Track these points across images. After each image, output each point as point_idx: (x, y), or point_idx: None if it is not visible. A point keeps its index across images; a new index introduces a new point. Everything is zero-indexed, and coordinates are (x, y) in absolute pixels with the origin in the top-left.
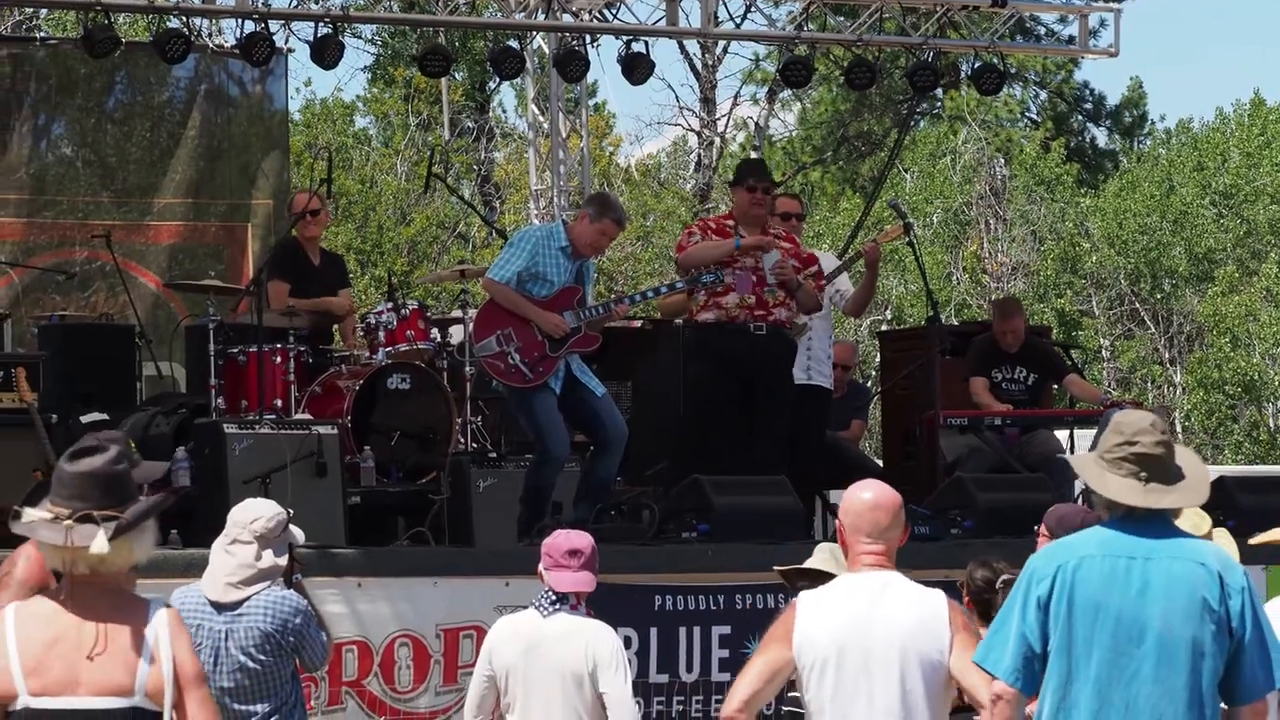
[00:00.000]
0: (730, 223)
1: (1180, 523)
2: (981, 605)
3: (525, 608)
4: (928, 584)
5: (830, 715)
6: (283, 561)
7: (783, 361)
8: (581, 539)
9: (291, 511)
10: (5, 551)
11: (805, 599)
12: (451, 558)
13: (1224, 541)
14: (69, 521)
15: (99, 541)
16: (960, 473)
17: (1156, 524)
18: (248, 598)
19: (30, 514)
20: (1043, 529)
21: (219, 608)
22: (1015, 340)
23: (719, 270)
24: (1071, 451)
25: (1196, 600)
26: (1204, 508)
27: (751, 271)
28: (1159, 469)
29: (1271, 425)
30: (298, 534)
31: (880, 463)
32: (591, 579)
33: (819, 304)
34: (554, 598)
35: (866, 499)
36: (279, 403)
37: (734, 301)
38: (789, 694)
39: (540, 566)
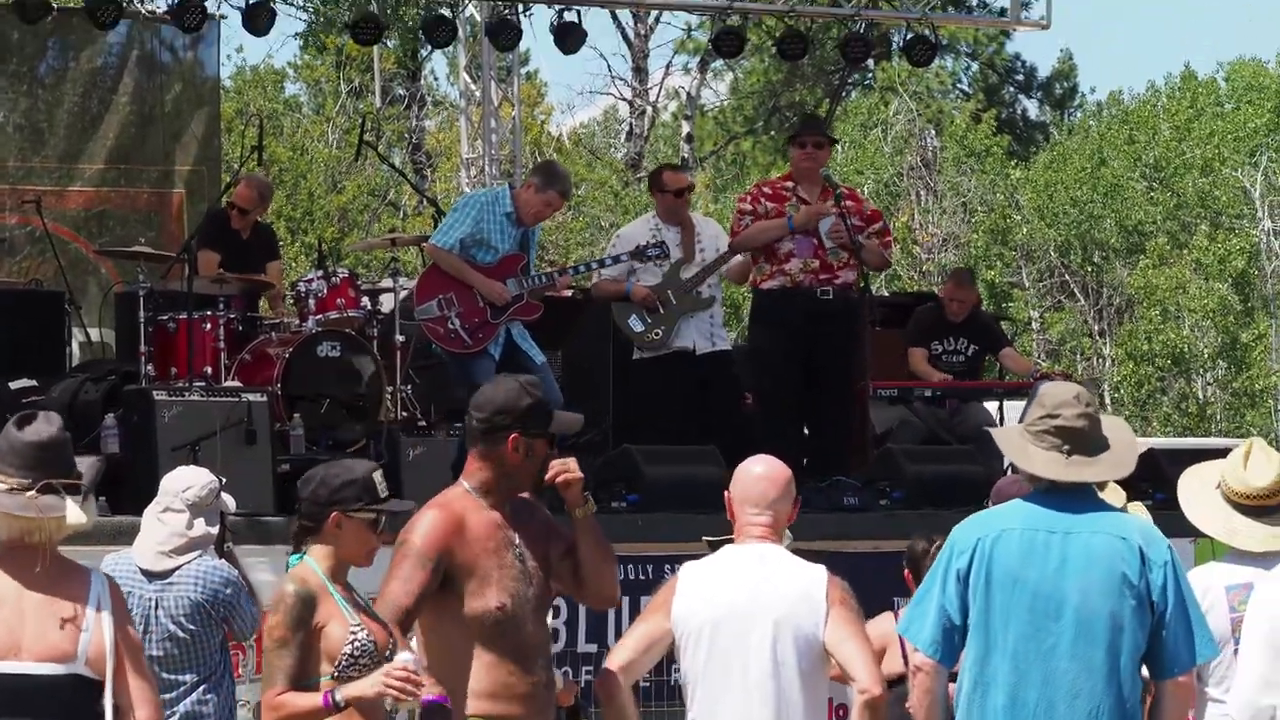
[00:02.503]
0: (789, 184)
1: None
2: (916, 574)
3: None
4: (856, 555)
5: (704, 686)
6: (214, 530)
7: (850, 322)
8: None
9: (224, 480)
10: None
11: (687, 570)
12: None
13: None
14: (32, 493)
15: (74, 512)
16: (890, 444)
17: (1080, 497)
18: (179, 566)
19: None
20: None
21: (150, 576)
22: (962, 309)
23: (661, 247)
24: (1001, 423)
25: (1115, 575)
26: (1133, 479)
27: (813, 236)
28: (1081, 441)
29: (1200, 397)
30: (229, 502)
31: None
32: None
33: (886, 261)
34: None
35: (755, 471)
36: (209, 370)
37: (797, 267)
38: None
39: None
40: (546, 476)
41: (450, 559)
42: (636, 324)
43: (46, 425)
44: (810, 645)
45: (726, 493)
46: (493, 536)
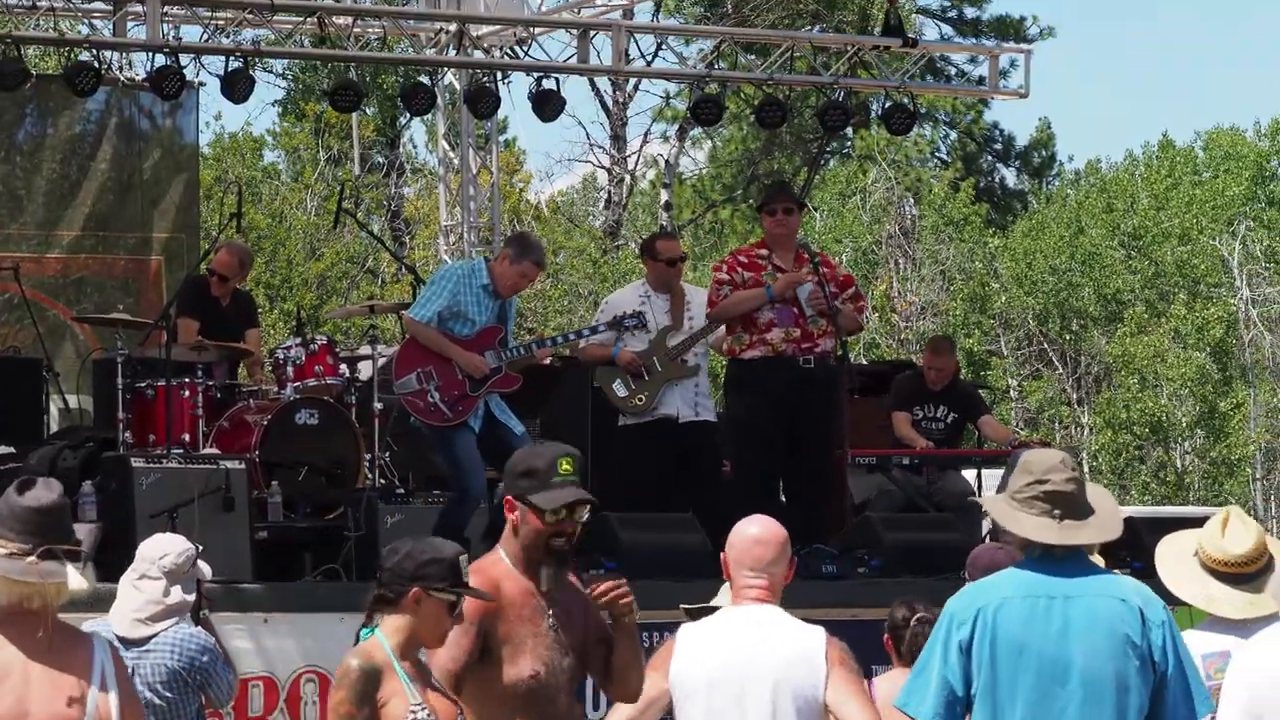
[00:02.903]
0: (763, 251)
1: None
2: (897, 642)
3: None
4: (834, 623)
5: None
6: (191, 597)
7: (830, 390)
8: None
9: (200, 547)
10: None
11: (685, 631)
12: (358, 593)
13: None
14: (33, 558)
15: (75, 577)
16: (868, 512)
17: (1074, 561)
18: (155, 634)
19: None
20: (967, 575)
21: (126, 643)
22: (940, 378)
23: (641, 316)
24: (979, 491)
25: (1119, 636)
26: (1112, 547)
27: (791, 304)
28: (1071, 506)
29: (1179, 466)
30: (205, 570)
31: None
32: None
33: (860, 325)
34: None
35: (751, 533)
36: (187, 437)
37: (779, 336)
38: None
39: None
40: (601, 602)
41: (489, 624)
42: (621, 389)
43: (47, 491)
44: (810, 706)
45: (723, 554)
46: (527, 604)
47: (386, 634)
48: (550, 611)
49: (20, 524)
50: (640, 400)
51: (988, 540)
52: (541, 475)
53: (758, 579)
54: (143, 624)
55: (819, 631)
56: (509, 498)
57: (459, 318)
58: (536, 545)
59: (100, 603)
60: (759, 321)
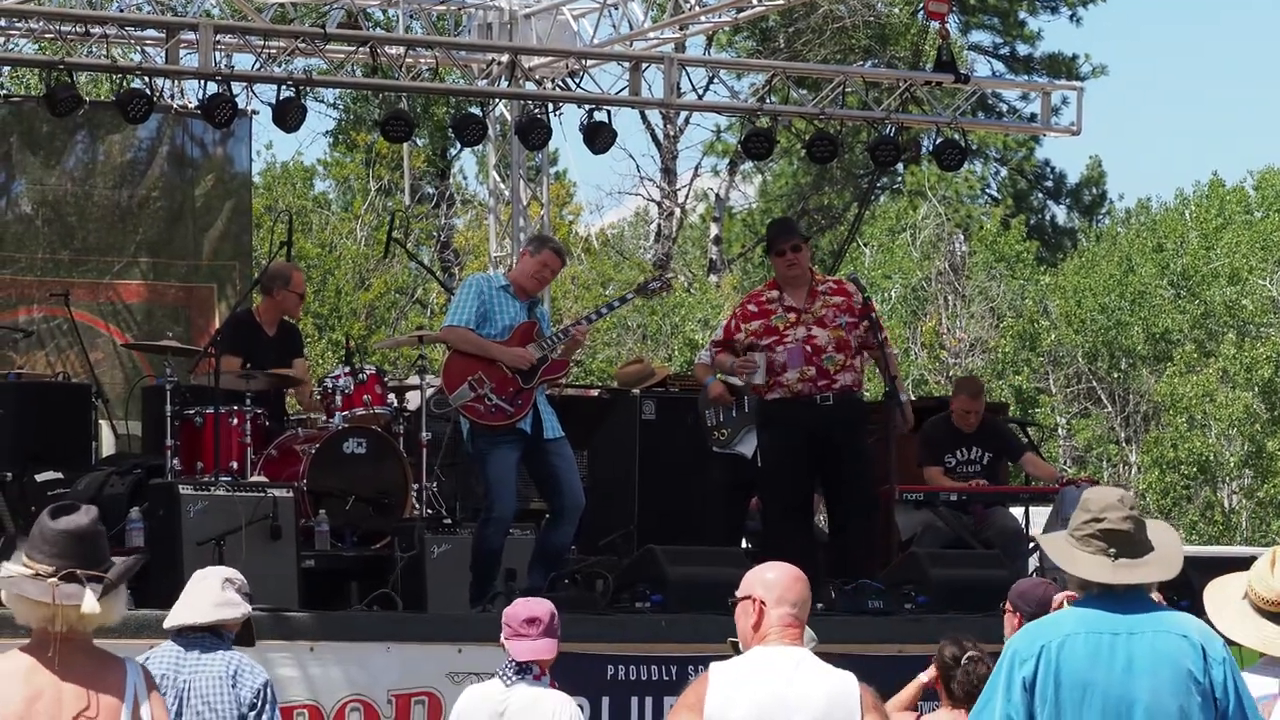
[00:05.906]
0: (773, 293)
1: None
2: (946, 681)
3: (483, 676)
4: (879, 658)
5: None
6: (247, 606)
7: (854, 425)
8: (540, 606)
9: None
10: None
11: (717, 670)
12: (404, 623)
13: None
14: (54, 579)
15: (89, 601)
16: (915, 548)
17: (1134, 598)
18: (229, 619)
19: (8, 569)
20: (1007, 605)
21: (197, 630)
22: (977, 420)
23: (662, 277)
24: (1027, 529)
25: (1182, 673)
26: (1160, 585)
27: (804, 343)
28: (1127, 544)
29: (1226, 506)
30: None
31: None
32: (552, 646)
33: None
34: (516, 667)
35: (789, 571)
36: (235, 465)
37: (794, 377)
38: None
39: (502, 636)
40: None
41: None
42: (710, 418)
43: (80, 517)
44: None
45: (752, 596)
46: None
47: None
48: None
49: (50, 547)
50: (721, 435)
51: (1034, 577)
52: None
53: (796, 620)
54: (216, 609)
55: (850, 676)
56: None
57: (488, 320)
58: None
59: (145, 628)
60: (774, 365)
